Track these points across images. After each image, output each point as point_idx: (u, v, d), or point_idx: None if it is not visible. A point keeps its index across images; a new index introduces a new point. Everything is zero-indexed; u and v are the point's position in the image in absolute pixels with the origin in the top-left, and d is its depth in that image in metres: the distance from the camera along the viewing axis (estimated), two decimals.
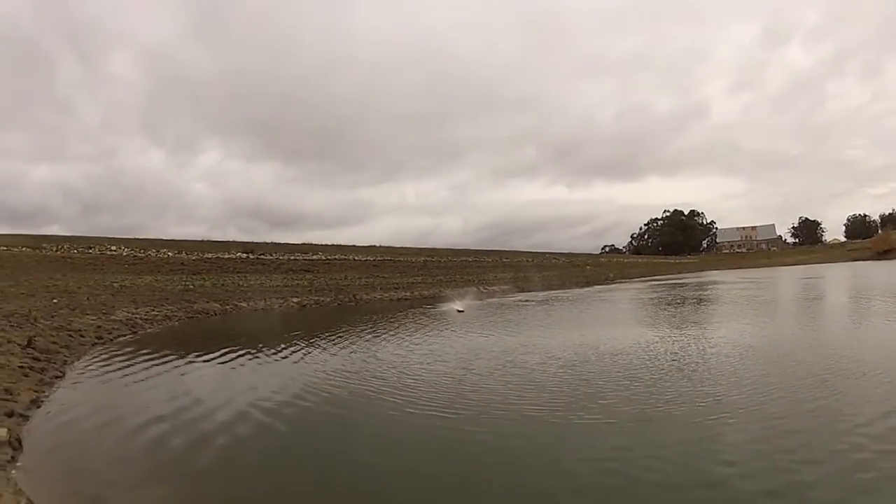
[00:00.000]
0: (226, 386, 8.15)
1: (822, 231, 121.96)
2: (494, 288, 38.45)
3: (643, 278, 58.33)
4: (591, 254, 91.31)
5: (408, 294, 31.76)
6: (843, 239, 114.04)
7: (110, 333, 13.41)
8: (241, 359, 10.36)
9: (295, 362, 9.93)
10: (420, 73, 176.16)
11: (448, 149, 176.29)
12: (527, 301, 27.61)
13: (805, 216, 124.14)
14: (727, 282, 42.20)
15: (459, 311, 20.09)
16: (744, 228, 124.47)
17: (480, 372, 8.69)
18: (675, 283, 42.78)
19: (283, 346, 11.82)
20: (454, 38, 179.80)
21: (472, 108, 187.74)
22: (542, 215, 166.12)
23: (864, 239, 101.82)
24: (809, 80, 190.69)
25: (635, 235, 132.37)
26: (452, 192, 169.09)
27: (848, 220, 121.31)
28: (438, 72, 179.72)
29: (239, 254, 33.76)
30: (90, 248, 28.98)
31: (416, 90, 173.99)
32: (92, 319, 14.30)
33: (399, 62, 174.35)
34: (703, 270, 79.66)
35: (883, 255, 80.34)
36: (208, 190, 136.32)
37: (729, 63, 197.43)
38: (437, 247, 56.61)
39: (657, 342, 11.37)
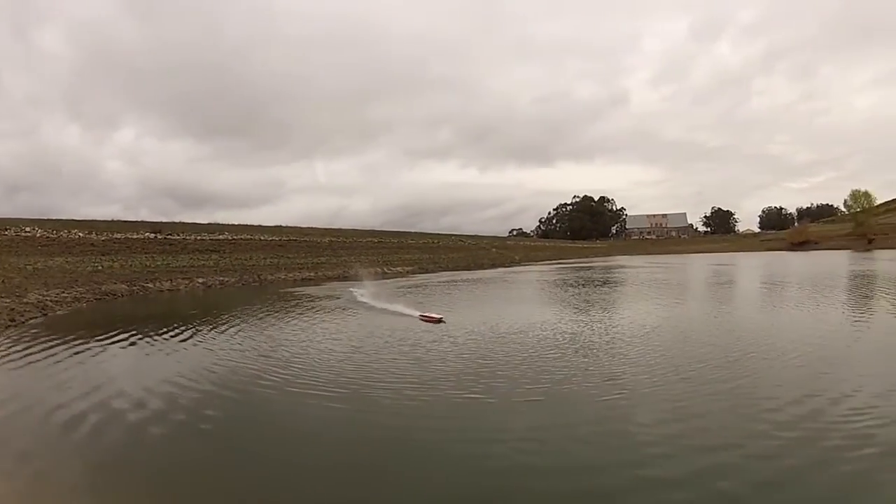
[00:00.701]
0: (120, 372, 8.81)
1: (736, 221, 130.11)
2: (398, 269, 40.71)
3: (549, 262, 61.47)
4: (498, 237, 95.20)
5: (312, 275, 33.78)
6: (756, 230, 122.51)
7: (22, 316, 15.02)
8: (137, 344, 11.32)
9: (186, 348, 10.83)
10: (344, 52, 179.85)
11: (365, 128, 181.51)
12: (427, 282, 29.45)
13: (718, 206, 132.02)
14: (634, 266, 44.91)
15: (360, 294, 21.00)
16: (654, 216, 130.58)
17: (371, 353, 9.65)
18: (581, 267, 45.56)
19: (175, 329, 12.89)
20: (383, 18, 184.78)
21: (393, 88, 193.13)
22: (454, 198, 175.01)
23: (778, 230, 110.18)
24: (736, 76, 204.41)
25: (544, 220, 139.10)
26: (365, 172, 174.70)
27: (763, 211, 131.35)
28: (363, 51, 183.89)
29: (147, 234, 35.16)
30: (6, 229, 29.87)
31: (339, 69, 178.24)
32: (6, 302, 16.04)
33: (323, 41, 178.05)
34: (610, 255, 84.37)
35: (798, 246, 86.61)
36: (124, 168, 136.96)
37: (656, 55, 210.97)
38: (345, 227, 58.51)
39: (557, 323, 12.58)
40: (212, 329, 13.08)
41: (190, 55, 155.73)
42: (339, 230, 55.55)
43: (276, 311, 16.67)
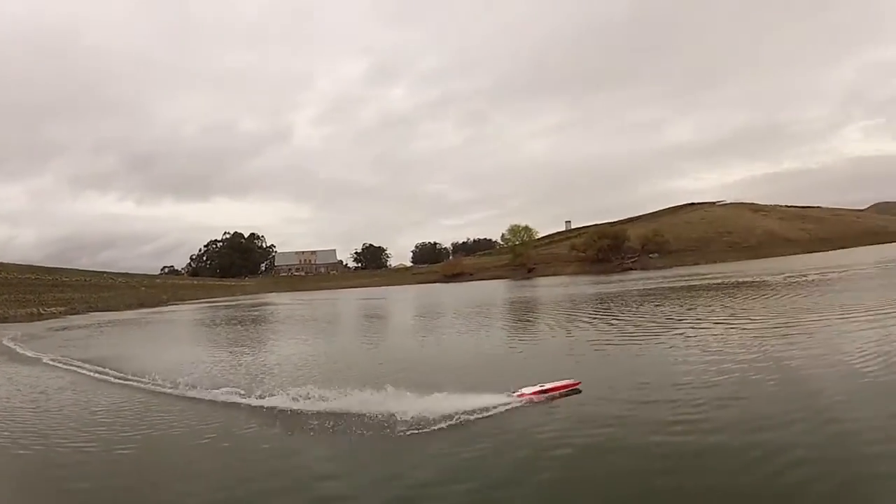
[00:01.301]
0: None
1: (388, 256, 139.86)
2: (53, 309, 40.11)
3: (198, 300, 62.69)
4: (148, 274, 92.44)
5: None
6: (409, 264, 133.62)
7: None
8: None
9: None
10: (27, 60, 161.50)
11: (35, 149, 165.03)
12: (71, 325, 29.07)
13: (370, 242, 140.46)
14: (279, 303, 47.80)
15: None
16: (303, 252, 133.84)
17: None
18: (228, 306, 47.47)
19: None
20: (79, 26, 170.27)
21: (71, 106, 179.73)
22: (112, 231, 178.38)
23: (432, 264, 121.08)
24: (404, 119, 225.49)
25: (195, 257, 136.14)
26: (33, 198, 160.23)
27: (417, 246, 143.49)
28: (50, 61, 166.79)
29: None
30: None
31: (18, 79, 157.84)
32: None
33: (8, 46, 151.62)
34: (259, 293, 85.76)
35: (452, 278, 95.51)
36: None
37: (327, 94, 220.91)
38: (7, 262, 52.28)
39: (183, 364, 13.12)
40: None
41: None
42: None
43: None
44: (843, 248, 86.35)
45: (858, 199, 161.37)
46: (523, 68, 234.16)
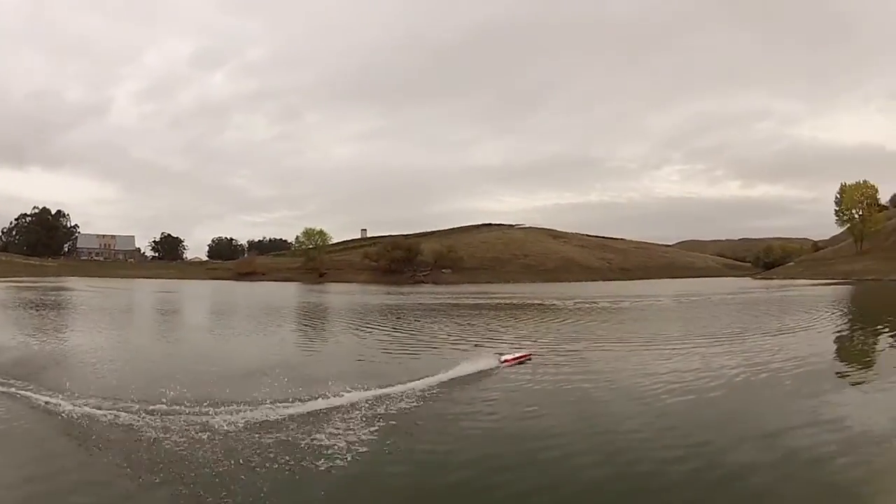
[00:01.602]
0: None
1: (185, 248, 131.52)
2: None
3: (3, 278, 62.03)
4: None
5: None
6: (205, 258, 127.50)
7: None
8: None
9: None
10: None
11: None
12: None
13: (168, 232, 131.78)
14: (77, 290, 47.02)
15: None
16: (104, 236, 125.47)
17: None
18: (28, 287, 46.96)
19: None
20: None
21: None
22: None
23: (226, 260, 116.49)
24: (220, 107, 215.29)
25: (5, 230, 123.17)
26: None
27: (213, 241, 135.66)
28: None
29: None
30: None
31: None
32: None
33: None
34: (60, 276, 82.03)
35: (244, 276, 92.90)
36: None
37: (151, 70, 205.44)
38: None
39: None
40: None
41: None
42: None
43: None
44: (645, 279, 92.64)
45: (667, 235, 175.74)
46: (344, 71, 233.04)
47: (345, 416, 8.27)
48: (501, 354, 13.06)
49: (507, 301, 37.26)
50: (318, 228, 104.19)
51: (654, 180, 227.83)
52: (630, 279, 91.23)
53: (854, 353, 16.31)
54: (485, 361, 12.48)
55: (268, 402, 8.67)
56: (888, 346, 16.96)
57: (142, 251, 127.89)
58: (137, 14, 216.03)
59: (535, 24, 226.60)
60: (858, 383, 11.55)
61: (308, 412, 8.38)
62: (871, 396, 10.25)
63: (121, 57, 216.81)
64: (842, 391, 10.78)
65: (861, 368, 13.56)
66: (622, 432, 7.95)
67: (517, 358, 13.02)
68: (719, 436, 7.72)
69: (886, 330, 20.47)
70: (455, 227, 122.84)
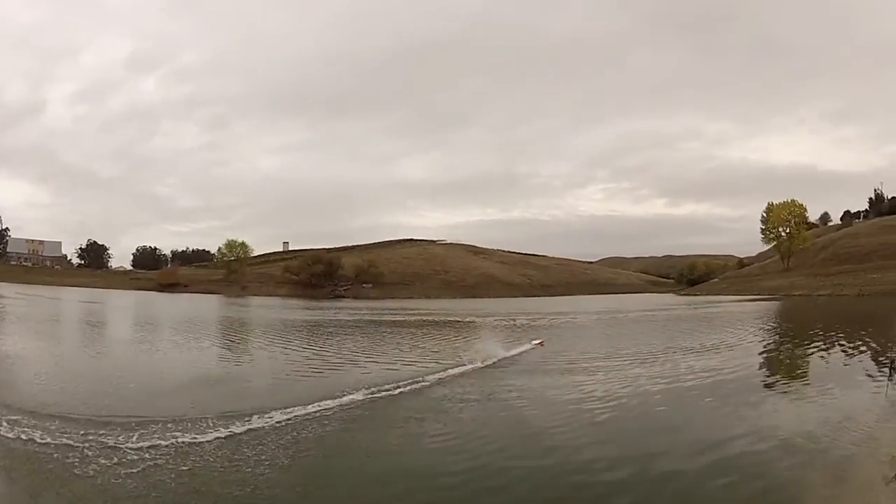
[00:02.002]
0: None
1: (110, 256, 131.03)
2: None
3: None
4: None
5: None
6: (129, 267, 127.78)
7: None
8: None
9: None
10: None
11: None
12: None
13: (95, 239, 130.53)
14: (7, 297, 47.81)
15: None
16: (33, 241, 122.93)
17: None
18: None
19: None
20: None
21: None
22: None
23: (150, 270, 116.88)
24: (151, 112, 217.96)
25: None
26: None
27: (138, 250, 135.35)
28: None
29: None
30: None
31: None
32: None
33: None
34: None
35: (167, 287, 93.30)
36: None
37: (87, 72, 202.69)
38: None
39: None
40: None
41: None
42: None
43: None
44: (567, 295, 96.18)
45: (590, 252, 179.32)
46: (273, 82, 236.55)
47: (261, 437, 8.48)
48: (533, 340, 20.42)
49: (426, 318, 37.48)
50: (240, 240, 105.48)
51: (579, 198, 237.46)
52: (551, 295, 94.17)
53: (780, 365, 17.33)
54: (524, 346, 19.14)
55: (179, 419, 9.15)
56: (813, 357, 18.06)
57: (68, 258, 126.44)
58: (82, 11, 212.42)
59: (464, 42, 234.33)
60: (784, 394, 12.44)
61: (226, 435, 8.51)
62: (798, 406, 11.09)
63: (60, 56, 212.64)
64: (767, 402, 11.49)
65: (786, 380, 14.52)
66: (549, 448, 8.35)
67: (540, 342, 20.17)
68: (644, 448, 8.25)
69: (811, 342, 21.35)
70: (377, 241, 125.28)
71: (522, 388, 12.64)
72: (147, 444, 7.89)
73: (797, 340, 23.56)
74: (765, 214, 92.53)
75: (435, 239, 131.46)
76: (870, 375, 13.94)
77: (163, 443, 7.96)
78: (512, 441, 8.70)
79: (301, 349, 20.74)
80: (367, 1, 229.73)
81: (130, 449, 7.67)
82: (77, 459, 7.21)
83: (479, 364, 15.68)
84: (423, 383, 12.83)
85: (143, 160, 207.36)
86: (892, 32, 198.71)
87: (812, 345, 20.82)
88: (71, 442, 7.89)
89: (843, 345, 20.46)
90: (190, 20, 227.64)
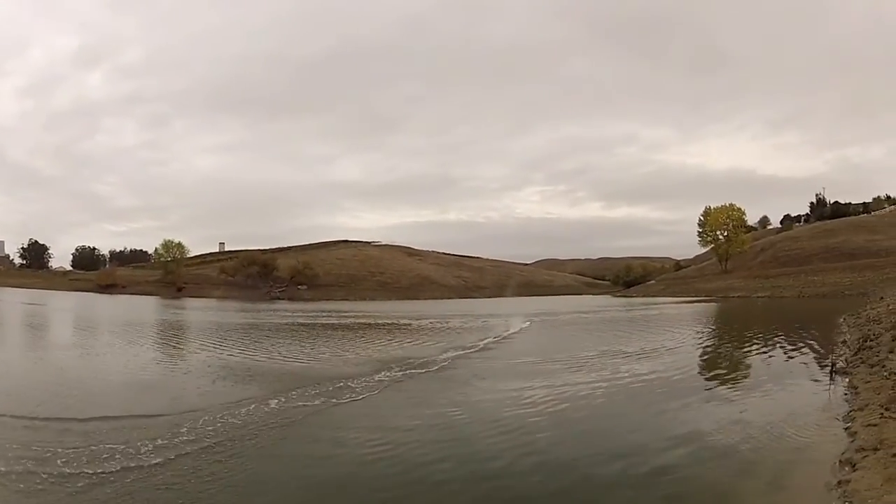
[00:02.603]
0: None
1: (50, 256, 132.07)
2: None
3: None
4: None
5: None
6: (69, 268, 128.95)
7: None
8: None
9: None
10: None
11: None
12: None
13: (36, 239, 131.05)
14: None
15: None
16: None
17: None
18: None
19: None
20: None
21: None
22: None
23: (89, 270, 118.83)
24: (94, 109, 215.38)
25: None
26: None
27: (77, 250, 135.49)
28: None
29: None
30: None
31: None
32: None
33: None
34: None
35: (105, 288, 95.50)
36: None
37: (35, 66, 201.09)
38: None
39: None
40: None
41: None
42: None
43: None
44: (502, 297, 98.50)
45: (526, 254, 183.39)
46: (212, 81, 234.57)
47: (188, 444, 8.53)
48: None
49: (362, 321, 37.57)
50: (176, 241, 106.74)
51: (515, 200, 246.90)
52: (487, 297, 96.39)
53: (720, 367, 17.28)
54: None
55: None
56: (754, 359, 18.13)
57: (10, 258, 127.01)
58: (34, 4, 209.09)
59: (401, 46, 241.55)
60: (724, 398, 12.30)
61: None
62: (738, 410, 10.86)
63: (10, 49, 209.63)
64: (706, 406, 11.49)
65: (727, 382, 14.40)
66: (481, 453, 8.47)
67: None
68: (580, 452, 8.37)
69: (752, 344, 21.81)
70: (312, 242, 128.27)
71: (452, 395, 12.64)
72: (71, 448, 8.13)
73: (738, 342, 23.86)
74: (702, 218, 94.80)
75: (370, 240, 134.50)
76: (812, 378, 13.99)
77: (87, 447, 8.22)
78: (441, 448, 8.71)
79: (233, 354, 20.22)
80: (306, 2, 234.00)
81: (54, 451, 7.94)
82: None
83: (410, 370, 15.61)
84: (357, 394, 12.51)
85: (85, 158, 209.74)
86: (833, 42, 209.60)
87: (753, 347, 21.13)
88: None
89: (784, 346, 20.48)
90: (136, 15, 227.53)
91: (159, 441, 8.60)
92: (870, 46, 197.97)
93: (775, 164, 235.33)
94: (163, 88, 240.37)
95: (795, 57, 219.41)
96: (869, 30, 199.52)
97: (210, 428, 9.43)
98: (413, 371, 15.60)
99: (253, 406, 11.01)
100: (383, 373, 15.01)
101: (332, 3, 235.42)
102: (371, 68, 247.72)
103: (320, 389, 12.70)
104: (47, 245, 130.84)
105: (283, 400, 11.60)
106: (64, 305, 55.48)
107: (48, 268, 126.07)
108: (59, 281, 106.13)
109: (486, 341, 23.55)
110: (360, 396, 12.37)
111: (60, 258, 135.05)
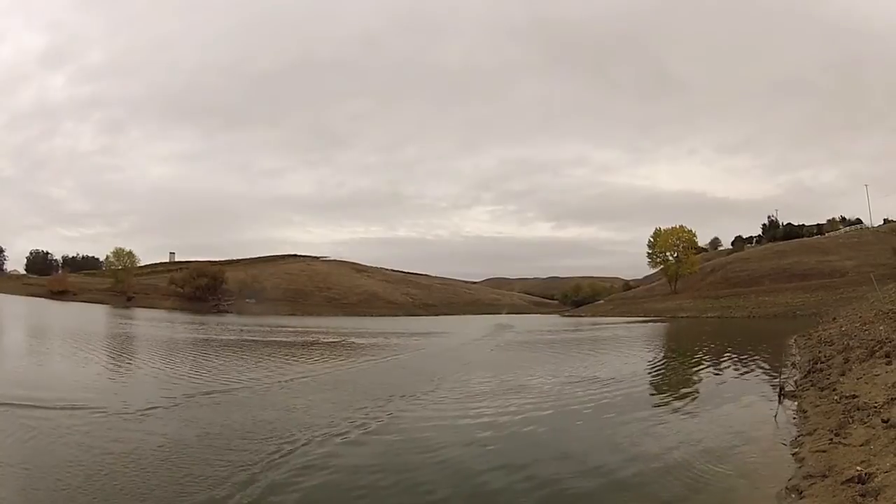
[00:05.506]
0: None
1: (5, 259, 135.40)
2: None
3: None
4: None
5: None
6: (23, 271, 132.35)
7: None
8: None
9: None
10: None
11: None
12: None
13: None
14: None
15: None
16: None
17: None
18: None
19: None
20: None
21: None
22: None
23: (42, 275, 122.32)
24: (55, 111, 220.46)
25: None
26: None
27: (31, 253, 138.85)
28: None
29: None
30: None
31: None
32: None
33: None
34: None
35: (57, 295, 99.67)
36: None
37: (2, 63, 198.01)
38: None
39: None
40: None
41: None
42: None
43: None
44: (450, 314, 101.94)
45: (475, 273, 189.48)
46: (171, 87, 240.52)
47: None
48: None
49: (304, 339, 38.00)
50: (127, 249, 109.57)
51: (465, 219, 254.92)
52: (434, 315, 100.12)
53: (667, 388, 17.64)
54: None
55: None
56: (702, 380, 18.77)
57: None
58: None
59: (353, 62, 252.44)
60: (669, 420, 12.51)
61: None
62: (684, 433, 11.19)
63: None
64: (652, 429, 11.63)
65: (673, 404, 14.56)
66: (418, 483, 8.60)
67: None
68: (523, 478, 8.63)
69: (701, 365, 22.65)
70: (261, 256, 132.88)
71: (395, 418, 12.63)
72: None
73: (687, 363, 24.32)
74: (652, 239, 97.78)
75: (319, 255, 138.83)
76: (761, 397, 14.18)
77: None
78: (387, 474, 8.89)
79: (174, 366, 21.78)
80: (263, 14, 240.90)
81: None
82: None
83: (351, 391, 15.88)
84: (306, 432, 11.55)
85: (43, 160, 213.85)
86: (785, 70, 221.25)
87: (702, 367, 21.89)
88: None
89: (733, 368, 20.86)
90: (102, 16, 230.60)
91: None
92: (822, 72, 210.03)
93: (727, 186, 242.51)
94: (122, 93, 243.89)
95: (747, 83, 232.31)
96: (821, 56, 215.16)
97: None
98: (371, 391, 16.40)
99: None
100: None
101: (290, 18, 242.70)
102: (325, 83, 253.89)
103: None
104: (3, 247, 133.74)
105: None
106: (16, 312, 58.75)
107: (3, 270, 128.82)
108: (14, 285, 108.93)
109: (433, 363, 24.75)
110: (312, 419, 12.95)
111: (15, 261, 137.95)
